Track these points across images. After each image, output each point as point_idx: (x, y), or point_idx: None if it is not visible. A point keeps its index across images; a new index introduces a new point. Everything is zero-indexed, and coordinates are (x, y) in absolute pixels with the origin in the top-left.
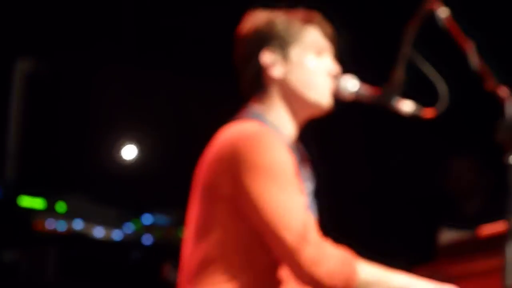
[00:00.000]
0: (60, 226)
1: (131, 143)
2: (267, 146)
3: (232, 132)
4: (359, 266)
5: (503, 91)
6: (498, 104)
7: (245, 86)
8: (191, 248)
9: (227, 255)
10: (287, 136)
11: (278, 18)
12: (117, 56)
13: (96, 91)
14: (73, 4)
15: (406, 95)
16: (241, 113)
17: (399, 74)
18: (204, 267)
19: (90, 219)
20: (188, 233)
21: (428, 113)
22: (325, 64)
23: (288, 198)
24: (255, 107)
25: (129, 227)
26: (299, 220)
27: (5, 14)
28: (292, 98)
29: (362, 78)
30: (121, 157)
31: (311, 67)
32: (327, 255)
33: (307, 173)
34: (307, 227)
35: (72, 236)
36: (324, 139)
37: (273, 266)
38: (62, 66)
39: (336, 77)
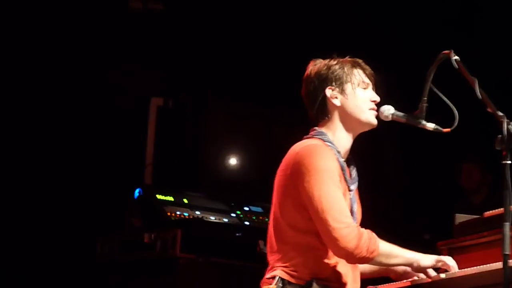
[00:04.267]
0: (185, 214)
1: (234, 157)
2: (318, 156)
3: (297, 147)
4: (380, 242)
5: (500, 114)
6: (496, 122)
7: (312, 114)
8: (271, 231)
9: (295, 237)
10: (341, 148)
11: (334, 64)
12: (222, 94)
13: (208, 119)
14: (189, 61)
15: (429, 117)
16: (310, 132)
17: (424, 103)
18: (281, 244)
19: (207, 209)
20: (270, 219)
21: (446, 130)
22: (369, 94)
23: (331, 192)
24: (320, 129)
25: (235, 215)
26: (336, 208)
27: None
28: (349, 119)
29: (399, 106)
30: (227, 166)
31: (361, 97)
32: (357, 234)
33: (353, 175)
34: (343, 212)
35: (193, 221)
36: (371, 149)
37: (324, 247)
38: (182, 102)
39: (378, 104)
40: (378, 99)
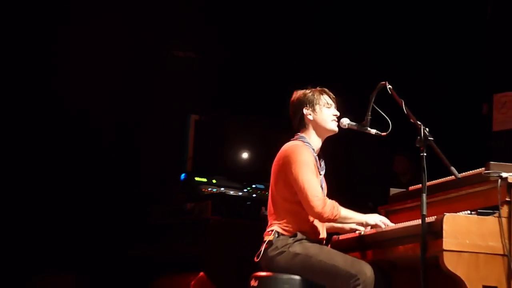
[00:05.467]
0: (213, 190)
1: (245, 152)
2: (300, 152)
3: (287, 146)
4: (341, 209)
5: (418, 123)
6: (416, 129)
7: (295, 124)
8: (270, 201)
9: (285, 205)
10: (315, 147)
11: (308, 92)
12: (236, 112)
13: (228, 127)
14: (214, 90)
15: (372, 125)
16: (294, 137)
17: (368, 116)
18: (276, 209)
19: (228, 187)
20: (269, 194)
21: (383, 134)
22: (332, 111)
23: (308, 176)
24: (301, 134)
25: (246, 190)
26: (312, 187)
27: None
28: (318, 128)
29: (352, 118)
30: (240, 158)
31: (326, 113)
32: (325, 204)
33: (322, 165)
34: (316, 189)
35: (219, 194)
36: (337, 149)
37: (304, 211)
38: (211, 117)
39: (338, 118)
40: (338, 114)
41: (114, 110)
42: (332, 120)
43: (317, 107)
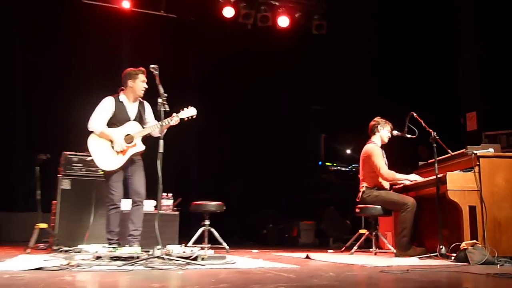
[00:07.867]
0: (334, 168)
1: (349, 150)
2: (375, 149)
3: (367, 147)
4: (396, 174)
5: (431, 130)
6: (429, 133)
7: (370, 131)
8: (360, 173)
9: (368, 174)
10: (380, 145)
11: (385, 121)
12: (343, 131)
13: (339, 139)
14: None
15: (408, 133)
16: (368, 141)
17: (406, 128)
18: (363, 176)
19: (341, 166)
20: (360, 169)
21: (414, 136)
22: (389, 135)
23: (379, 161)
24: (372, 140)
25: (350, 167)
26: (382, 167)
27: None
28: (381, 139)
29: (398, 130)
30: (346, 153)
31: (387, 134)
32: (388, 173)
33: (384, 153)
34: (384, 167)
35: (337, 170)
36: (397, 146)
37: (378, 176)
38: (332, 134)
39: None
40: (390, 136)
41: (290, 134)
42: (387, 138)
43: (383, 129)
